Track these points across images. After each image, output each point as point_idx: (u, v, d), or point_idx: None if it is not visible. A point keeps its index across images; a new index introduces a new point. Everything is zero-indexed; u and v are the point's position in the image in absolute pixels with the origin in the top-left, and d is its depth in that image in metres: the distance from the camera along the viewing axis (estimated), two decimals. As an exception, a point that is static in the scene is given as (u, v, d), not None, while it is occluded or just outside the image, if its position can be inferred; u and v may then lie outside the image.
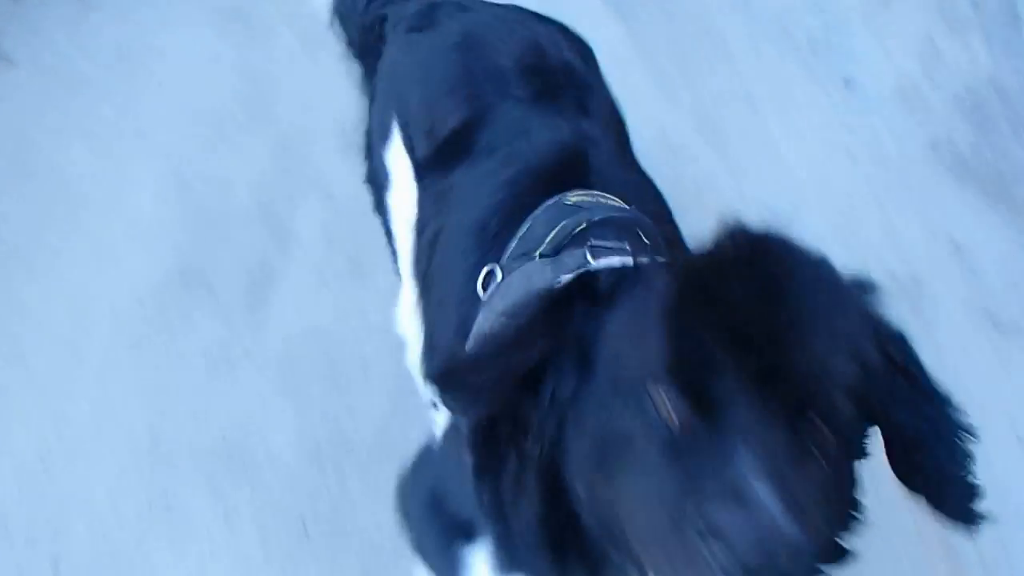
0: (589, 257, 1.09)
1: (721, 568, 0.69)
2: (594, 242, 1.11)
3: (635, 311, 0.87)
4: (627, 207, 1.24)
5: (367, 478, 1.93)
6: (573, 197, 1.22)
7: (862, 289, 0.91)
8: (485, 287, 1.17)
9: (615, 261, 1.07)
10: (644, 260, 1.02)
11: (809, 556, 0.72)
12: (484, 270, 1.18)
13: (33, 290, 2.25)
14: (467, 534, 1.15)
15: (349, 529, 1.88)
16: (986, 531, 1.88)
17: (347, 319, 2.21)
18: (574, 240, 1.13)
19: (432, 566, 1.30)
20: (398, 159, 1.60)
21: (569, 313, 0.89)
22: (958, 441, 0.91)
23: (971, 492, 0.93)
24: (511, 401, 0.88)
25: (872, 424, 0.89)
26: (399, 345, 2.15)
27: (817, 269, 0.84)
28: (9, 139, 2.56)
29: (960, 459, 0.92)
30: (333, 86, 2.81)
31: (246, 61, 2.77)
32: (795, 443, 0.76)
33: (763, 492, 0.69)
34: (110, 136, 2.58)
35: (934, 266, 2.40)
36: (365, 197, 2.48)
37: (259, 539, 1.86)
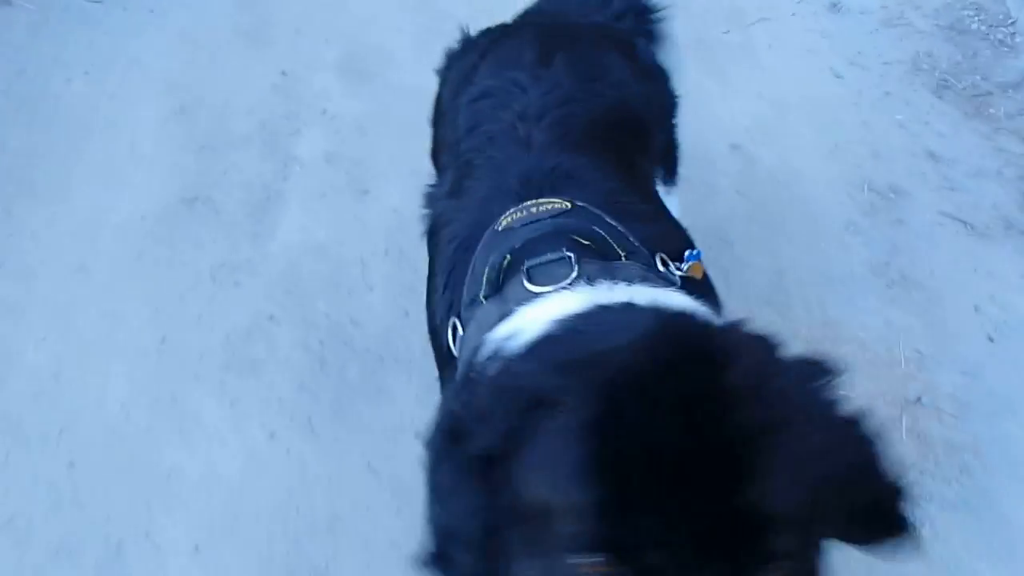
0: (527, 284, 1.03)
1: None
2: (528, 263, 1.06)
3: (547, 447, 0.73)
4: (565, 207, 1.17)
5: (370, 379, 2.03)
6: (504, 220, 1.17)
7: (828, 384, 0.78)
8: (454, 342, 1.14)
9: (554, 284, 1.02)
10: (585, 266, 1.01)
11: None
12: (448, 326, 1.16)
13: (40, 214, 2.33)
14: None
15: (354, 427, 1.98)
16: (958, 418, 2.00)
17: (348, 234, 2.30)
18: (508, 270, 1.09)
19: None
20: None
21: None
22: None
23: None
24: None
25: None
26: (399, 258, 2.25)
27: (768, 380, 0.73)
28: (10, 73, 2.63)
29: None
30: (331, 9, 2.90)
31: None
32: None
33: None
34: (108, 66, 2.65)
35: (912, 176, 2.48)
36: (364, 119, 2.58)
37: (266, 436, 1.96)
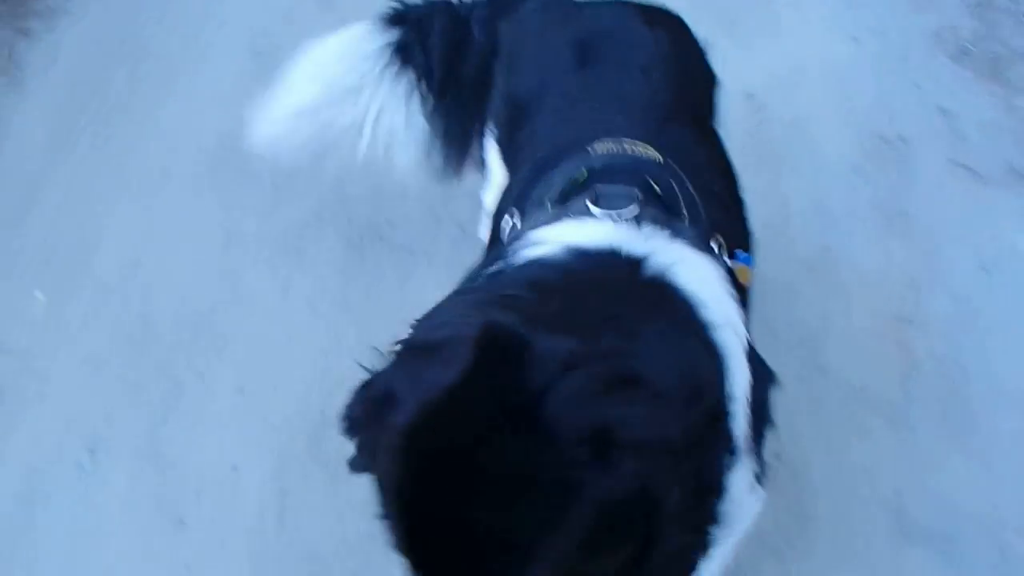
0: (588, 203, 1.09)
1: None
2: (599, 187, 1.12)
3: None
4: (657, 158, 1.22)
5: (401, 267, 2.33)
6: (599, 146, 1.23)
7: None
8: (506, 229, 1.22)
9: (617, 212, 1.07)
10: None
11: None
12: (508, 213, 1.24)
13: (131, 131, 2.74)
14: None
15: (383, 309, 2.27)
16: (945, 337, 2.13)
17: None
18: (581, 187, 1.15)
19: None
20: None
21: None
22: None
23: None
24: None
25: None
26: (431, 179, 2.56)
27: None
28: (120, 30, 3.08)
29: None
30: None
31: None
32: None
33: None
34: (197, 24, 3.07)
35: (922, 128, 2.65)
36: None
37: (309, 309, 2.27)
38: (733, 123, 2.67)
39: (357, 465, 0.88)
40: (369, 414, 0.83)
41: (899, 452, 2.02)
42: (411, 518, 0.70)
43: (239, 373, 2.16)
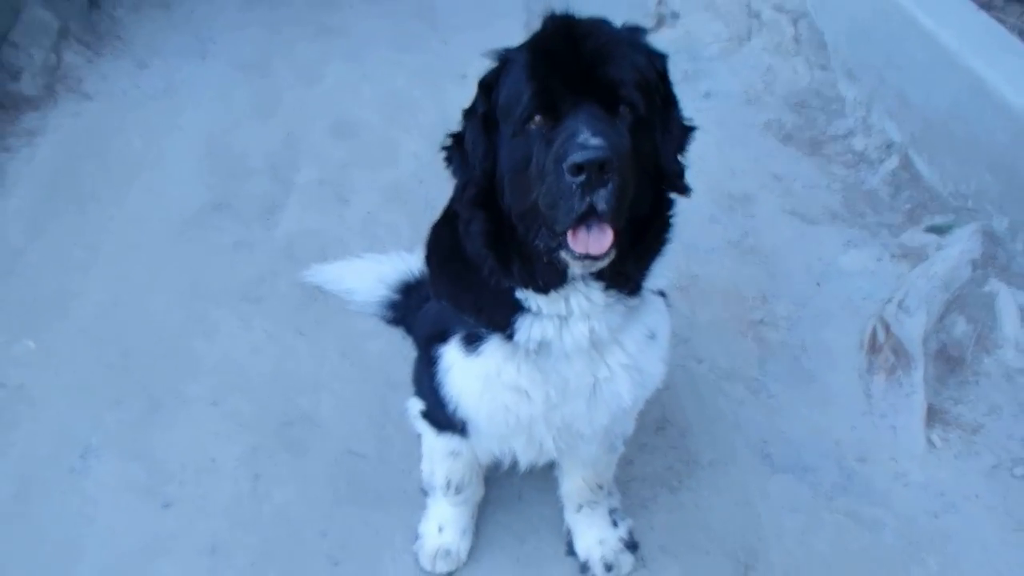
0: None
1: (571, 172, 1.40)
2: None
3: (512, 74, 1.57)
4: None
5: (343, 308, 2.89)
6: None
7: (637, 31, 1.62)
8: None
9: None
10: None
11: (611, 161, 1.41)
12: None
13: (102, 212, 3.30)
14: (443, 338, 1.81)
15: (332, 328, 2.80)
16: (790, 331, 2.79)
17: (331, 224, 3.25)
18: None
19: (418, 382, 2.04)
20: None
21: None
22: (682, 126, 1.71)
23: (682, 167, 1.73)
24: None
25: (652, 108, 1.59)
26: (373, 240, 3.18)
27: (605, 26, 1.56)
28: (86, 136, 3.70)
29: (680, 139, 1.72)
30: (323, 95, 4.06)
31: (256, 90, 4.01)
32: (608, 118, 1.49)
33: (586, 134, 1.42)
34: (157, 131, 3.74)
35: (760, 188, 3.49)
36: (347, 159, 3.61)
37: (266, 336, 2.78)
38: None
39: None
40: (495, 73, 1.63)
41: (761, 411, 2.64)
42: (539, 64, 1.52)
43: (211, 388, 2.62)
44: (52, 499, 2.34)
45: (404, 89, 4.11)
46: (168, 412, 2.57)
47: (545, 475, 2.28)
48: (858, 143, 3.70)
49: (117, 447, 2.47)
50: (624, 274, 1.65)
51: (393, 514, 2.30)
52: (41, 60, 4.00)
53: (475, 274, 1.66)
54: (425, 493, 2.27)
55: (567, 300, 1.65)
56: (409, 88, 4.12)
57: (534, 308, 1.66)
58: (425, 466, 2.27)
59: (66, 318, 2.84)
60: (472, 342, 1.75)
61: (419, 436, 2.24)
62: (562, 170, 1.42)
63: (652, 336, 1.81)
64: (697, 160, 3.52)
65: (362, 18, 4.79)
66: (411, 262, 2.64)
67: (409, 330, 2.47)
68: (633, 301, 1.71)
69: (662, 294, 1.87)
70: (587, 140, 1.41)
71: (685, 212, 3.37)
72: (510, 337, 1.69)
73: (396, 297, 2.62)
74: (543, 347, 1.70)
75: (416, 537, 2.23)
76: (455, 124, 1.69)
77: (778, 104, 4.02)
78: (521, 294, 1.65)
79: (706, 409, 2.65)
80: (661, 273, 1.73)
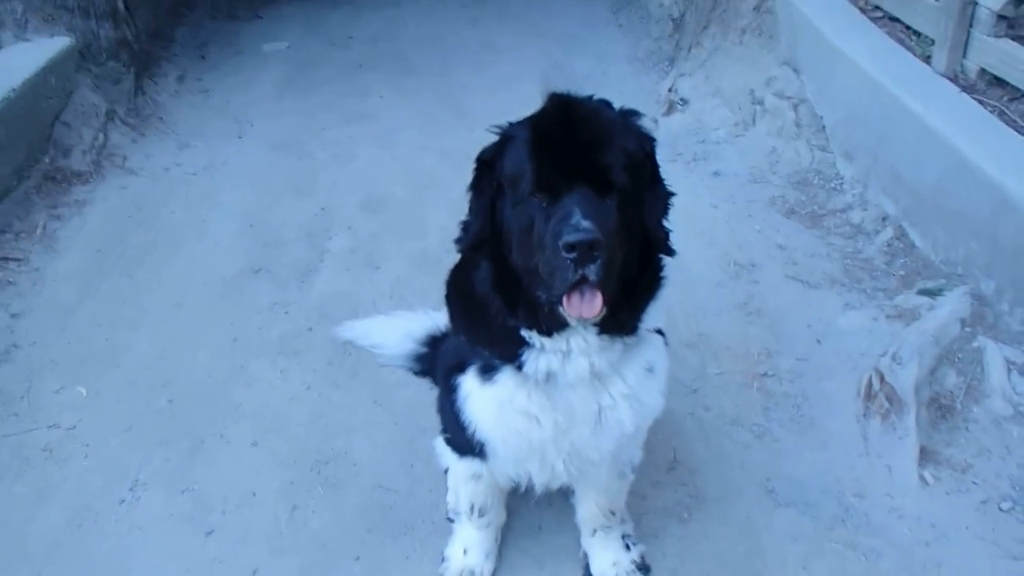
0: None
1: (564, 250, 1.66)
2: None
3: (515, 150, 1.82)
4: None
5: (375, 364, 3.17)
6: None
7: (630, 115, 1.88)
8: None
9: None
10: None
11: (599, 241, 1.65)
12: None
13: (147, 276, 3.65)
14: (461, 369, 2.06)
15: (364, 379, 3.07)
16: (793, 382, 3.06)
17: (363, 287, 3.57)
18: None
19: (441, 411, 2.29)
20: None
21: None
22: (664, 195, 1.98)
23: (666, 231, 1.99)
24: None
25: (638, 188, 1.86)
26: (400, 300, 3.48)
27: (602, 110, 1.83)
28: (132, 208, 4.08)
29: (663, 207, 1.97)
30: (355, 173, 4.45)
31: (291, 169, 4.41)
32: (599, 200, 1.74)
33: (578, 216, 1.67)
34: (199, 205, 4.12)
35: (764, 257, 3.79)
36: (377, 231, 3.96)
37: (304, 387, 3.05)
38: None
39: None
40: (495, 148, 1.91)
41: (765, 452, 2.86)
42: (539, 146, 1.76)
43: (251, 431, 2.89)
44: (104, 528, 2.59)
45: (432, 169, 4.52)
46: (211, 451, 2.83)
47: (563, 506, 2.51)
48: (855, 216, 4.02)
49: (163, 481, 2.72)
50: (619, 322, 1.91)
51: (422, 541, 2.52)
52: (90, 139, 4.46)
53: (486, 312, 1.93)
54: (451, 520, 2.50)
55: (568, 340, 1.90)
56: (436, 168, 4.52)
57: (537, 345, 1.91)
58: (451, 496, 2.53)
59: (116, 368, 3.14)
60: (487, 372, 2.00)
61: (445, 472, 2.50)
62: (558, 246, 1.68)
63: (650, 369, 2.06)
64: (706, 232, 3.99)
65: (391, 106, 5.27)
66: (437, 319, 2.90)
67: (435, 380, 2.70)
68: (630, 340, 1.97)
69: (660, 332, 2.13)
70: (579, 223, 1.66)
71: (694, 278, 3.77)
72: (520, 368, 1.94)
73: (423, 350, 2.89)
74: (551, 377, 1.95)
75: (442, 560, 2.44)
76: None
77: (782, 182, 4.37)
78: (526, 333, 1.91)
79: (714, 451, 2.88)
80: (655, 316, 2.00)
